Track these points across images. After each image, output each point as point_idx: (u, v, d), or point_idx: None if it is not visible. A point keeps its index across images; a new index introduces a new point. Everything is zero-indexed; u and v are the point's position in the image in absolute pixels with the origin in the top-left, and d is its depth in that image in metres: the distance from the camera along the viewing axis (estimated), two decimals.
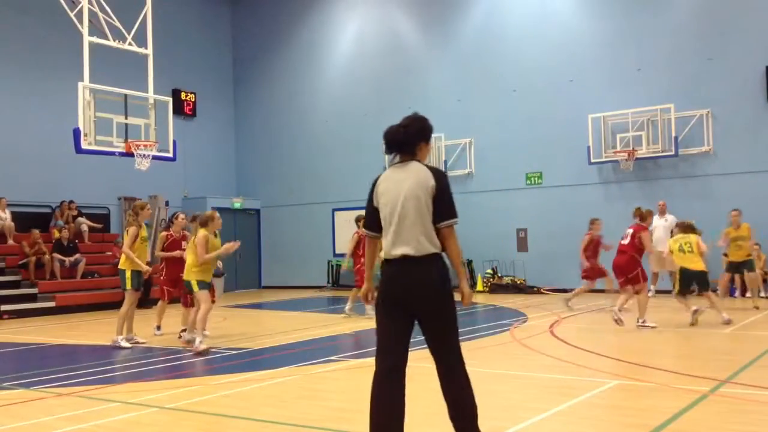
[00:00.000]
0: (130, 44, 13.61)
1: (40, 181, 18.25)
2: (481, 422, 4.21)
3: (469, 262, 18.70)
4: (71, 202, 18.48)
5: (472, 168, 19.41)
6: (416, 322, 4.24)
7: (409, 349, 4.25)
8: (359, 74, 21.54)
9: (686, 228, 11.08)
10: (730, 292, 14.60)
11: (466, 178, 19.43)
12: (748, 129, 16.10)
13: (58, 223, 17.63)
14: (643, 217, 11.06)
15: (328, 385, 7.22)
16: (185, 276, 9.52)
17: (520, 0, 19.03)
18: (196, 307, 9.76)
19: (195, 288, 9.36)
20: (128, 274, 10.05)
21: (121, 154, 13.48)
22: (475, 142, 19.37)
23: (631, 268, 10.69)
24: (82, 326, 13.42)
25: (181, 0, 22.16)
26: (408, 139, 4.32)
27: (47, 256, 16.47)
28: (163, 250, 11.04)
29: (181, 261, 10.47)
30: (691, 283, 10.87)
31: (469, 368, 4.25)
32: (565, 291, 16.86)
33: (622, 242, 10.94)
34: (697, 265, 10.75)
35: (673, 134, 16.48)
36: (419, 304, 4.16)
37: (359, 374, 7.37)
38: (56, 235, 17.10)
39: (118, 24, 13.52)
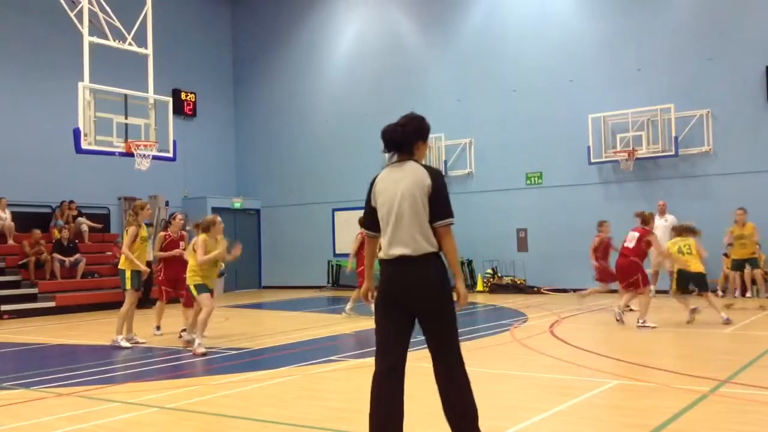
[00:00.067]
0: (130, 44, 13.61)
1: (40, 181, 18.25)
2: (481, 422, 4.21)
3: (469, 262, 18.73)
4: (71, 202, 18.48)
5: (472, 168, 19.41)
6: (417, 321, 4.24)
7: (409, 349, 4.25)
8: (359, 74, 21.53)
9: (683, 231, 11.08)
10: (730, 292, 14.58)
11: (466, 178, 19.43)
12: (748, 129, 16.09)
13: (58, 223, 17.63)
14: (646, 220, 11.08)
15: (328, 385, 7.22)
16: (187, 280, 9.54)
17: (520, 0, 19.03)
18: (196, 307, 9.78)
19: (194, 293, 9.41)
20: (128, 274, 10.07)
21: (121, 154, 13.48)
22: (475, 142, 19.36)
23: (631, 272, 10.71)
24: (82, 326, 13.42)
25: (181, 0, 22.16)
26: (405, 137, 4.32)
27: (47, 256, 16.47)
28: (161, 250, 11.04)
29: (179, 261, 10.50)
30: (688, 283, 10.88)
31: (469, 368, 4.24)
32: (565, 291, 16.89)
33: (627, 245, 10.95)
34: (695, 266, 10.76)
35: (673, 134, 16.47)
36: (418, 304, 4.17)
37: (359, 374, 7.37)
38: (56, 235, 17.11)
39: (118, 24, 13.52)
